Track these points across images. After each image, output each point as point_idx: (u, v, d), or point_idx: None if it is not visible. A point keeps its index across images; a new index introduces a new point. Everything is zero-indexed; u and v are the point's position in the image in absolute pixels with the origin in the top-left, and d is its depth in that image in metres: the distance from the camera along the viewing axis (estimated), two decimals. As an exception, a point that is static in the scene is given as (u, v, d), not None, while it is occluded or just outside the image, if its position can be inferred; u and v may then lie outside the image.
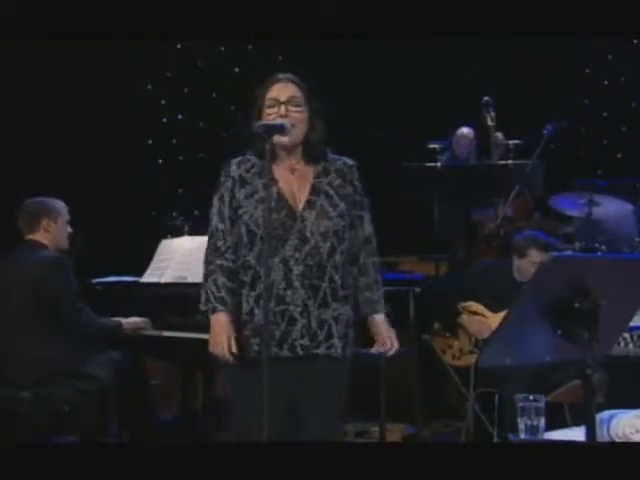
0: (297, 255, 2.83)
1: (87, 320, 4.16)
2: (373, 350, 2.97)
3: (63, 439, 4.06)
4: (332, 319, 2.88)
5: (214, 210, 2.96)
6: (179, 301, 4.32)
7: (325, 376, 2.87)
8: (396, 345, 2.98)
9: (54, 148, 6.38)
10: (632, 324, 3.54)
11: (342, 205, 2.92)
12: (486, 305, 4.48)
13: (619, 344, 3.80)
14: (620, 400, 2.79)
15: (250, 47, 7.52)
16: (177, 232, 5.15)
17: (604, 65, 7.42)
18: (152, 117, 7.40)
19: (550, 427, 2.56)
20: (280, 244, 2.83)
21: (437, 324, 4.68)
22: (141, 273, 4.64)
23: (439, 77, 7.11)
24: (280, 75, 2.95)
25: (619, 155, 7.34)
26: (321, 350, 2.86)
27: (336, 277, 2.88)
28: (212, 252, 2.94)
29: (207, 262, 2.95)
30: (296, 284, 2.83)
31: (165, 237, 4.89)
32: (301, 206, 2.89)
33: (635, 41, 7.23)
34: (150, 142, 7.43)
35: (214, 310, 2.87)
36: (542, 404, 2.48)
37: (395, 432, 5.04)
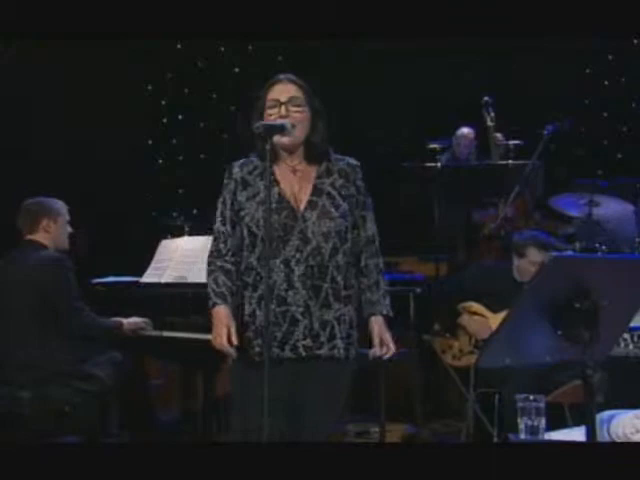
0: (298, 256, 2.83)
1: (87, 320, 4.16)
2: (370, 354, 2.96)
3: (63, 439, 4.06)
4: (334, 320, 2.87)
5: (217, 212, 2.98)
6: (179, 301, 4.33)
7: (327, 377, 2.87)
8: (392, 349, 2.95)
9: (54, 148, 6.38)
10: (632, 324, 3.53)
11: (344, 205, 2.92)
12: (486, 305, 4.48)
13: (619, 344, 3.80)
14: (620, 400, 2.79)
15: (250, 47, 7.52)
16: (177, 232, 5.15)
17: (604, 65, 7.42)
18: (152, 117, 7.40)
19: (550, 427, 2.56)
20: (281, 245, 2.84)
21: (437, 324, 4.68)
22: (141, 273, 4.64)
23: (439, 77, 7.10)
24: (281, 76, 2.95)
25: (619, 155, 7.34)
26: (324, 351, 2.86)
27: (338, 277, 2.88)
28: (214, 254, 2.97)
29: (209, 264, 2.97)
30: (297, 285, 2.83)
31: (165, 237, 4.90)
32: (302, 206, 2.89)
33: (635, 41, 7.22)
34: (150, 142, 7.43)
35: (214, 305, 2.89)
36: (542, 404, 2.48)
37: (395, 432, 5.04)
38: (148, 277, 4.59)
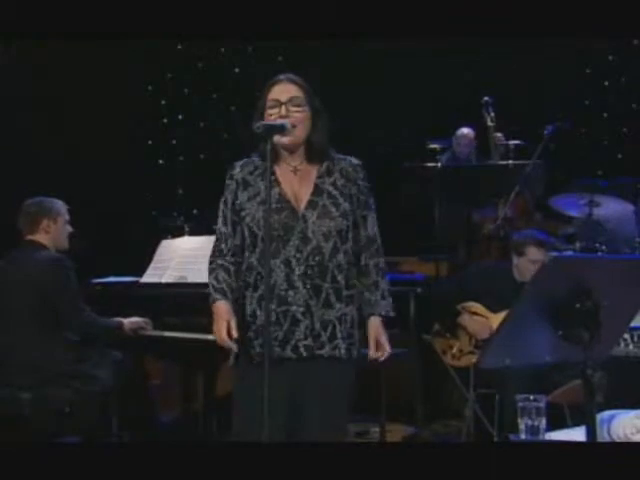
0: (299, 255, 2.84)
1: (88, 320, 4.16)
2: (368, 355, 2.96)
3: (63, 439, 4.06)
4: (336, 319, 2.87)
5: (219, 213, 2.99)
6: (179, 301, 4.33)
7: (328, 377, 2.86)
8: (387, 351, 2.95)
9: (54, 148, 6.38)
10: (632, 324, 3.53)
11: (345, 205, 2.91)
12: (486, 305, 4.48)
13: (619, 344, 3.80)
14: (620, 400, 2.79)
15: (250, 47, 7.52)
16: (177, 232, 5.16)
17: (604, 65, 7.42)
18: (152, 117, 7.40)
19: (550, 427, 2.56)
20: (282, 245, 2.84)
21: (437, 324, 4.68)
22: (141, 273, 4.64)
23: (439, 77, 7.10)
24: (281, 76, 2.95)
25: (619, 155, 7.34)
26: (325, 351, 2.86)
27: (339, 277, 2.88)
28: (215, 253, 2.98)
29: (210, 263, 2.99)
30: (298, 284, 2.83)
31: (165, 237, 4.90)
32: (303, 206, 2.89)
33: (635, 41, 7.22)
34: (150, 142, 7.43)
35: (214, 301, 2.90)
36: (543, 404, 2.48)
37: (395, 432, 5.04)
38: (148, 277, 4.59)
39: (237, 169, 2.97)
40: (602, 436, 2.47)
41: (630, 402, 2.77)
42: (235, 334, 2.81)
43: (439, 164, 6.12)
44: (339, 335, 2.88)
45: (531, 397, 2.49)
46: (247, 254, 2.92)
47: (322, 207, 2.89)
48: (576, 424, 2.88)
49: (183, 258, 4.48)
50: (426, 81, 7.08)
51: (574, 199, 5.40)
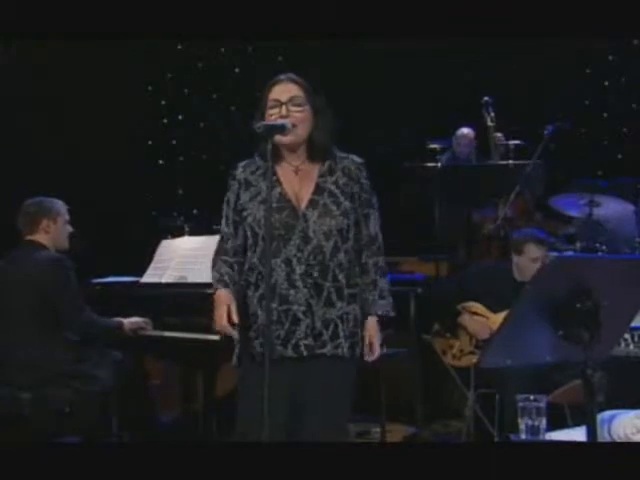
0: (300, 254, 2.84)
1: (88, 320, 4.16)
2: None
3: (63, 439, 4.06)
4: (338, 318, 2.88)
5: (223, 213, 3.01)
6: (179, 301, 4.33)
7: (330, 376, 2.87)
8: (377, 352, 2.95)
9: (54, 148, 6.38)
10: (632, 324, 3.53)
11: (347, 203, 2.92)
12: (486, 305, 4.48)
13: (620, 344, 3.79)
14: (621, 400, 2.79)
15: (250, 47, 7.52)
16: (177, 232, 5.15)
17: (604, 65, 7.42)
18: (152, 117, 7.40)
19: (550, 427, 2.56)
20: (282, 244, 2.85)
21: (437, 324, 4.68)
22: (141, 273, 4.64)
23: (439, 77, 7.10)
24: (282, 76, 2.95)
25: (619, 155, 7.34)
26: (327, 350, 2.86)
27: (340, 276, 2.88)
28: (218, 253, 2.99)
29: (213, 261, 3.00)
30: (299, 283, 2.84)
31: (165, 237, 4.90)
32: (304, 205, 2.89)
33: (635, 41, 7.22)
34: (150, 142, 7.43)
35: (215, 290, 2.90)
36: (543, 404, 2.48)
37: (396, 432, 5.04)
38: (148, 277, 4.59)
39: (239, 169, 2.99)
40: (603, 436, 2.47)
41: (630, 402, 2.77)
42: (236, 319, 2.80)
43: (439, 164, 6.12)
44: (342, 334, 2.88)
45: (531, 397, 2.49)
46: (249, 254, 2.93)
47: (323, 206, 2.89)
48: (576, 424, 2.88)
49: (183, 258, 4.48)
50: (426, 81, 7.08)
51: (574, 199, 5.40)
